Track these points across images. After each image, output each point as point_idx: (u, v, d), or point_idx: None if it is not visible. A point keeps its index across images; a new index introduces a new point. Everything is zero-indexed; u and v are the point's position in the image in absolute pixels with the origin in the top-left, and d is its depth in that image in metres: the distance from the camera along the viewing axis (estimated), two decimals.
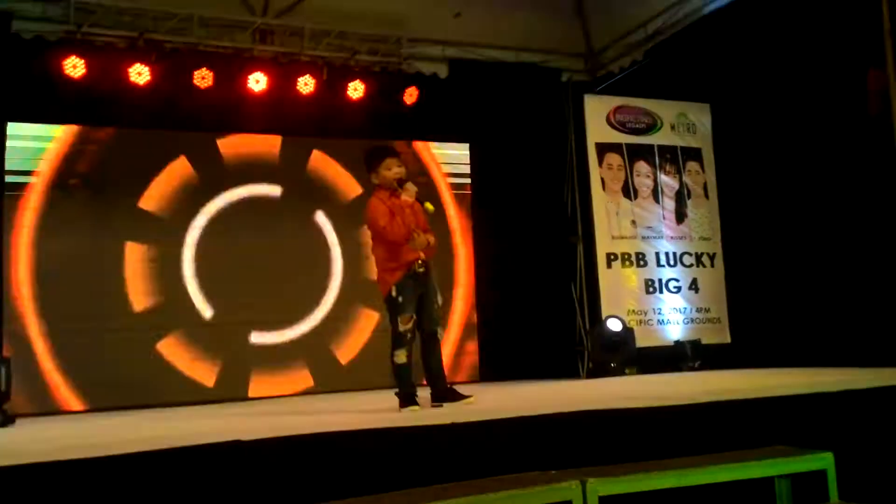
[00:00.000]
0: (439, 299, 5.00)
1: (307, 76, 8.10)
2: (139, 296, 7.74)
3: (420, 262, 4.86)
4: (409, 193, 4.88)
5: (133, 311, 7.70)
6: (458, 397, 4.83)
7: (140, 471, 2.69)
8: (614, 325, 8.12)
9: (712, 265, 8.77)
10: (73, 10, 7.35)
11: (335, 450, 3.05)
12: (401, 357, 4.80)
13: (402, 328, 4.79)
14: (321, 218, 8.52)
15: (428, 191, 7.91)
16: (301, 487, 2.82)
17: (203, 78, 7.70)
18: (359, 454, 3.05)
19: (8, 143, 7.39)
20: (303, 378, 8.18)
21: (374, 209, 4.88)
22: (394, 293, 4.83)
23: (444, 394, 4.86)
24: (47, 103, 7.45)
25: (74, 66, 7.22)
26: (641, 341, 8.29)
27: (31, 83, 7.31)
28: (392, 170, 4.95)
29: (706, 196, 8.92)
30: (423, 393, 4.88)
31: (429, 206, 4.93)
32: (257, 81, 7.91)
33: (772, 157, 7.72)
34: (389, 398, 4.94)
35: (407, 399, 4.73)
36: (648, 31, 8.78)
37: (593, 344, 8.21)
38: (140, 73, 7.45)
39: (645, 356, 8.19)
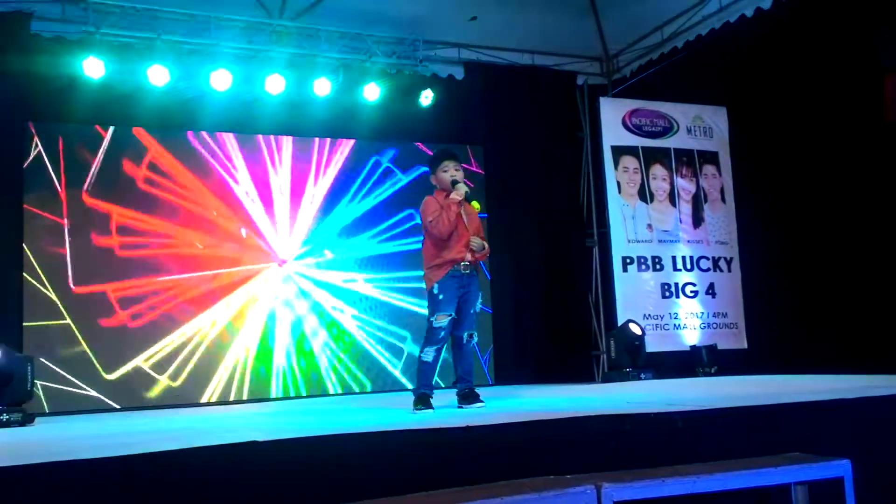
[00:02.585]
0: (478, 305, 5.02)
1: (323, 78, 8.13)
2: None
3: (466, 263, 4.88)
4: (458, 193, 4.93)
5: None
6: (473, 400, 4.83)
7: (155, 470, 2.70)
8: (636, 329, 8.08)
9: (729, 270, 8.72)
10: (92, 11, 7.41)
11: (347, 451, 3.04)
12: (428, 354, 4.83)
13: (436, 324, 4.82)
14: None
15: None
16: (312, 489, 2.81)
17: (220, 79, 7.75)
18: (371, 456, 3.04)
19: None
20: None
21: (425, 205, 5.01)
22: (435, 290, 4.86)
23: (465, 396, 4.88)
24: (67, 103, 7.51)
25: (94, 66, 7.28)
26: (657, 346, 8.25)
27: (52, 83, 7.38)
28: (448, 171, 5.03)
29: (723, 200, 8.87)
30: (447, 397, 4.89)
31: (475, 204, 5.02)
32: (274, 83, 7.94)
33: (789, 161, 7.67)
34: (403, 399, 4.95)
35: (422, 400, 4.74)
36: (664, 35, 8.76)
37: (616, 347, 8.12)
38: (158, 74, 7.51)
39: (661, 361, 8.14)
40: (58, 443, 4.00)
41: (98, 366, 7.53)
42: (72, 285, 7.55)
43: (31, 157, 7.54)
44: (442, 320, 4.80)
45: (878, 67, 6.39)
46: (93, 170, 7.77)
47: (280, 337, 8.25)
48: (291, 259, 8.41)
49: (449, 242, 4.89)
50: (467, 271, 4.90)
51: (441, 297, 4.83)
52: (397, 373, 8.55)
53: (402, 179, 8.92)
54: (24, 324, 7.31)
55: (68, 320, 7.47)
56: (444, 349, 4.94)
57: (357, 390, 8.39)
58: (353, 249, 8.68)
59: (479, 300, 5.03)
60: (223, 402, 7.85)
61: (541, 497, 2.54)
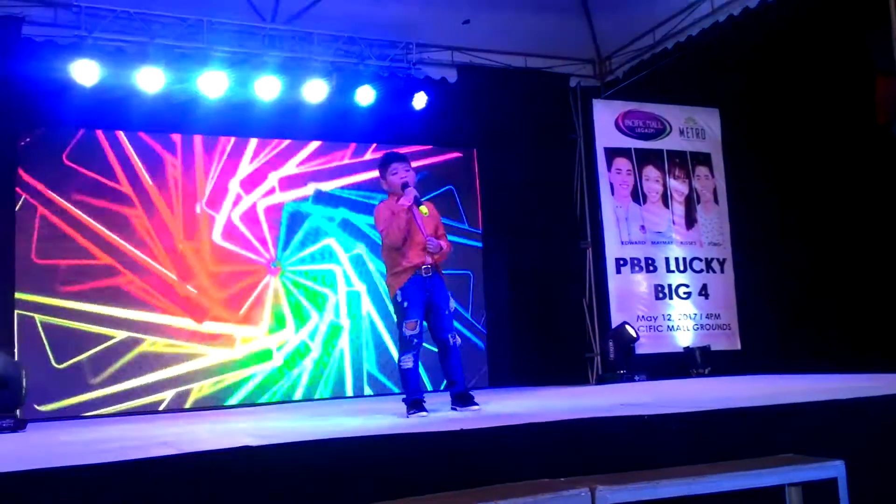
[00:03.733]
0: (451, 305, 4.98)
1: (317, 81, 8.12)
2: None
3: (427, 266, 4.84)
4: (406, 198, 4.87)
5: None
6: (468, 403, 4.82)
7: (148, 477, 2.69)
8: (632, 331, 8.09)
9: (722, 271, 8.74)
10: (84, 15, 7.39)
11: (342, 456, 3.04)
12: (407, 362, 4.79)
13: (407, 333, 4.78)
14: None
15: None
16: (305, 494, 2.81)
17: (213, 82, 7.73)
18: (365, 460, 3.04)
19: None
20: None
21: (377, 213, 4.98)
22: (399, 297, 4.83)
23: (458, 399, 4.86)
24: (58, 107, 7.49)
25: (85, 71, 7.25)
26: (651, 347, 8.27)
27: (43, 87, 7.35)
28: (398, 174, 4.97)
29: (716, 201, 8.89)
30: (438, 399, 4.88)
31: (423, 209, 4.90)
32: (267, 86, 7.93)
33: (781, 162, 7.70)
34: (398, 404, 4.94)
35: (414, 405, 4.72)
36: (657, 37, 8.77)
37: (615, 349, 8.12)
38: (150, 78, 7.49)
39: (654, 362, 8.15)
40: (51, 449, 3.98)
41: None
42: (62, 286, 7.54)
43: (22, 163, 7.50)
44: (412, 327, 4.77)
45: (869, 69, 6.41)
46: (84, 174, 7.73)
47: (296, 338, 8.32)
48: (285, 263, 8.39)
49: (405, 249, 4.84)
50: (429, 274, 4.85)
51: (406, 304, 4.80)
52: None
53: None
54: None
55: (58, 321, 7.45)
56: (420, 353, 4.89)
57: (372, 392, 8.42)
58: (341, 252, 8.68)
59: (451, 300, 4.99)
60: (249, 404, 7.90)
61: (535, 500, 2.54)
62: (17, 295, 7.30)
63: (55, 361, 7.38)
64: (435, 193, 8.79)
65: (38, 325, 7.38)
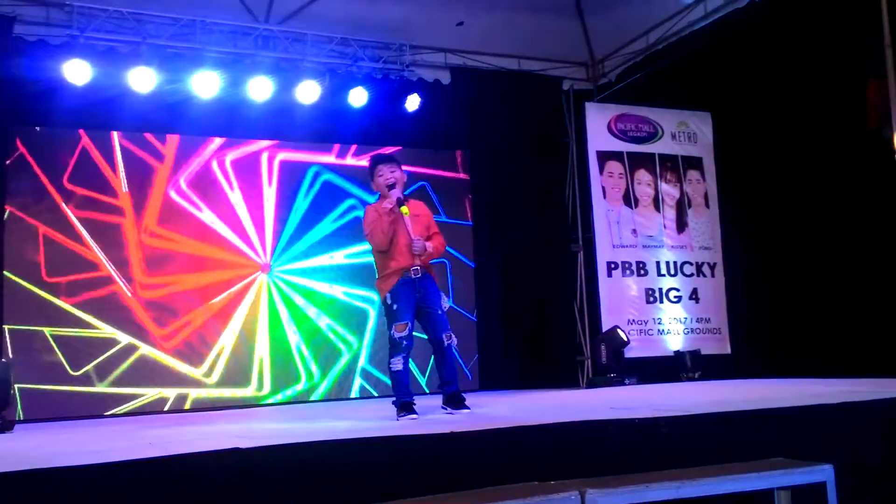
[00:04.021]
0: (444, 304, 4.96)
1: (310, 82, 8.11)
2: None
3: (415, 268, 4.83)
4: (389, 200, 4.87)
5: None
6: (459, 405, 4.81)
7: (138, 478, 2.68)
8: (623, 335, 8.10)
9: (713, 275, 8.76)
10: (76, 15, 7.36)
11: (331, 459, 3.03)
12: (397, 364, 4.77)
13: (396, 335, 4.76)
14: None
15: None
16: (294, 496, 2.80)
17: (205, 83, 7.72)
18: (356, 463, 3.03)
19: None
20: None
21: (364, 216, 4.97)
22: (388, 300, 4.82)
23: (450, 400, 4.85)
24: (49, 107, 7.46)
25: (77, 70, 7.22)
26: (641, 351, 8.28)
27: (34, 87, 7.32)
28: (384, 176, 4.97)
29: (707, 205, 8.92)
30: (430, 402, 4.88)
31: (405, 210, 4.86)
32: (259, 87, 7.92)
33: (773, 167, 7.72)
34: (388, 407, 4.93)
35: (404, 407, 4.71)
36: (650, 41, 8.79)
37: (606, 352, 8.10)
38: (142, 78, 7.46)
39: (645, 366, 8.17)
40: (38, 450, 3.96)
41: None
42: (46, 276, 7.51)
43: (12, 160, 7.48)
44: (401, 329, 4.75)
45: (861, 74, 6.43)
46: (74, 173, 7.71)
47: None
48: (277, 264, 8.38)
49: (392, 251, 4.84)
50: (418, 276, 4.82)
51: (395, 306, 4.78)
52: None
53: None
54: (6, 326, 7.26)
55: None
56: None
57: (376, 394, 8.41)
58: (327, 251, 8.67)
59: (443, 299, 4.96)
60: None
61: (525, 503, 2.55)
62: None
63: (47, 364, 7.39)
64: (430, 193, 8.80)
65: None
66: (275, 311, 8.29)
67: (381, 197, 4.99)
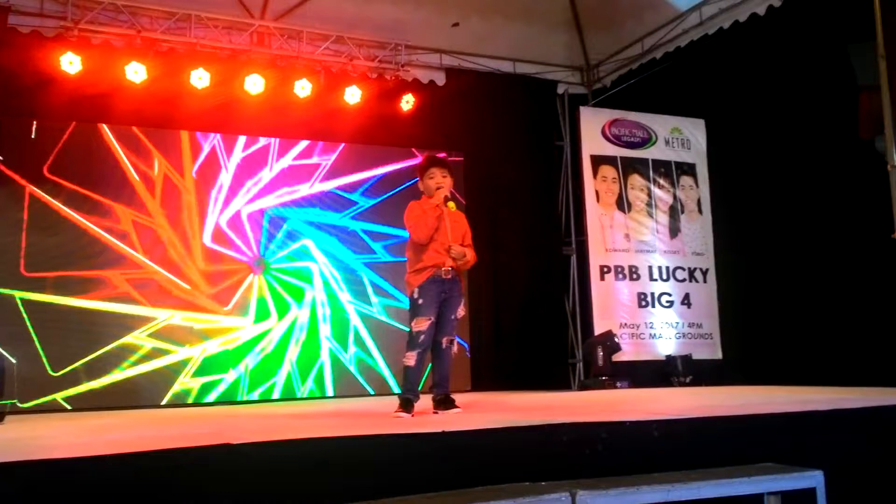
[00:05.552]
0: (460, 312, 4.99)
1: (304, 80, 8.10)
2: None
3: (447, 269, 4.86)
4: (437, 197, 4.93)
5: None
6: (449, 406, 4.81)
7: (128, 472, 2.66)
8: (616, 339, 8.10)
9: (705, 280, 8.78)
10: (71, 6, 7.33)
11: (320, 456, 3.01)
12: (410, 359, 4.78)
13: (415, 329, 4.78)
14: None
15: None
16: (283, 493, 2.78)
17: (199, 78, 7.70)
18: (344, 461, 3.01)
19: None
20: None
21: (408, 210, 5.00)
22: (415, 294, 4.84)
23: (439, 403, 4.85)
24: (43, 99, 7.42)
25: (70, 63, 7.19)
26: (633, 355, 8.29)
27: (27, 78, 7.28)
28: (434, 178, 5.02)
29: (699, 211, 8.93)
30: (421, 402, 4.86)
31: (451, 204, 4.96)
32: (254, 83, 7.90)
33: (765, 174, 7.74)
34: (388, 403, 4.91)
35: (404, 404, 4.70)
36: (645, 46, 8.82)
37: (603, 355, 8.08)
38: (136, 72, 7.44)
39: (636, 370, 8.17)
40: (30, 441, 3.93)
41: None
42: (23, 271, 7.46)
43: (3, 151, 7.44)
44: (421, 324, 4.76)
45: (853, 84, 6.46)
46: (66, 165, 7.66)
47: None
48: (270, 261, 8.36)
49: (429, 247, 4.88)
50: (449, 276, 4.86)
51: (420, 301, 4.81)
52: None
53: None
54: None
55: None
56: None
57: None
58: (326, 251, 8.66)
59: (461, 306, 5.01)
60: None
61: (516, 503, 2.54)
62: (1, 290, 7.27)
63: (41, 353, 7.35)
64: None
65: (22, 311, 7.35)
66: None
67: (427, 196, 5.02)
